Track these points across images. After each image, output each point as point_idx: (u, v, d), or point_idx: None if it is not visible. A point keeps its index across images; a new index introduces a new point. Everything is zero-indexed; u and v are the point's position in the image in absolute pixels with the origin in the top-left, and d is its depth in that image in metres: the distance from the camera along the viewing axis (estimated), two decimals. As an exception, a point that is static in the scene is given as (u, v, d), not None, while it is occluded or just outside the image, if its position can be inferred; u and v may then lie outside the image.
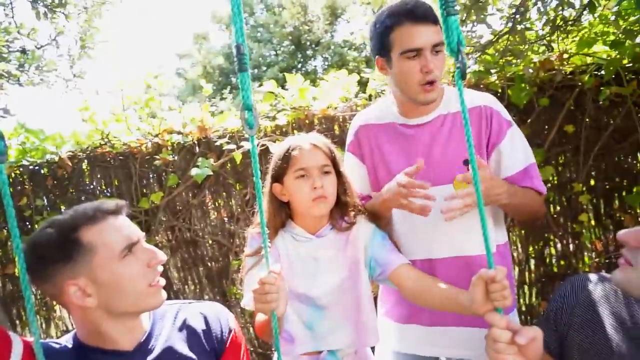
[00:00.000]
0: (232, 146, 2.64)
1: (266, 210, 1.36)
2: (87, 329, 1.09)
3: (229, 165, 2.77)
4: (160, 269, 1.12)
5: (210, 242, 2.94)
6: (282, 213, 1.37)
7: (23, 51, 3.03)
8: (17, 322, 2.96)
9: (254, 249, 1.37)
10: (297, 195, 1.30)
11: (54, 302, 3.00)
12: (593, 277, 1.11)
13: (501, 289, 0.90)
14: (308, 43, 14.33)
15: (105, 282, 1.03)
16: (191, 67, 15.93)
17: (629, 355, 0.98)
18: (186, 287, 2.99)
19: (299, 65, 14.50)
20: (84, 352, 1.09)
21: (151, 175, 2.87)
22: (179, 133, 2.81)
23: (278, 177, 1.32)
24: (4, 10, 2.89)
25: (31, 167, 2.87)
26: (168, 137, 2.80)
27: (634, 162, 2.69)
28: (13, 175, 2.88)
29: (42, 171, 2.86)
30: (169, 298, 1.27)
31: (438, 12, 1.26)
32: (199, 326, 1.20)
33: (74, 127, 2.96)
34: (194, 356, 1.15)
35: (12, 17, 2.89)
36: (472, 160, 0.90)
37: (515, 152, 1.42)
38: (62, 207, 2.82)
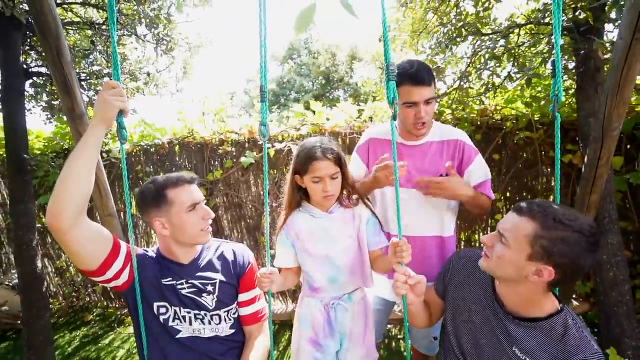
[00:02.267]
0: (269, 145, 2.70)
1: (288, 191, 1.28)
2: (164, 247, 1.18)
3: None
4: (210, 221, 1.15)
5: (250, 206, 2.96)
6: (300, 194, 1.28)
7: (148, 74, 3.26)
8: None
9: (278, 226, 1.32)
10: (312, 193, 1.24)
11: (153, 233, 3.19)
12: (470, 252, 1.12)
13: (400, 251, 0.98)
14: (334, 79, 14.30)
15: (175, 223, 1.10)
16: (254, 88, 16.09)
17: (475, 300, 1.03)
18: (232, 234, 3.05)
19: (327, 94, 14.50)
20: (161, 259, 1.19)
21: (216, 159, 2.92)
22: (236, 133, 2.88)
23: (298, 171, 1.23)
24: (139, 49, 3.18)
25: (145, 146, 2.99)
26: (229, 135, 2.88)
27: (535, 184, 2.75)
28: (134, 150, 3.02)
29: (151, 150, 2.99)
30: (221, 238, 1.34)
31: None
32: (230, 257, 1.24)
33: (172, 124, 3.08)
34: (222, 275, 1.20)
35: (144, 53, 3.15)
36: (395, 174, 0.97)
37: (479, 171, 1.41)
38: (161, 173, 2.90)
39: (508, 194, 2.85)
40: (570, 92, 2.16)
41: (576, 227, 0.80)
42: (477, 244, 2.98)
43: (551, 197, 2.72)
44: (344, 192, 1.29)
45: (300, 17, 0.74)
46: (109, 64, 2.96)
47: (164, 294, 1.14)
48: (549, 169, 2.67)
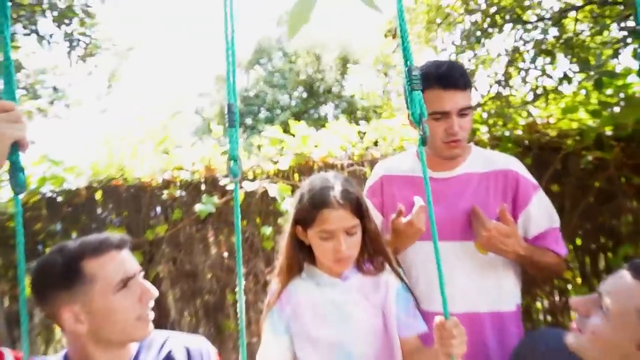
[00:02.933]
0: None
1: (286, 249, 1.31)
2: (76, 351, 1.11)
3: (231, 203, 2.80)
4: (152, 303, 1.13)
5: (209, 275, 2.93)
6: (302, 254, 1.30)
7: (55, 89, 3.25)
8: (18, 342, 3.01)
9: (269, 300, 1.33)
10: (319, 253, 1.25)
11: (55, 326, 3.04)
12: (551, 332, 1.12)
13: (448, 337, 0.94)
14: (320, 90, 14.73)
15: (98, 311, 1.05)
16: (209, 105, 16.33)
17: None
18: (182, 318, 2.96)
19: (311, 111, 14.82)
20: None
21: (158, 209, 2.90)
22: (187, 170, 2.87)
23: (301, 223, 1.26)
24: (41, 53, 3.17)
25: (49, 194, 2.92)
26: (177, 173, 2.87)
27: (618, 225, 2.74)
28: (32, 201, 2.91)
29: (59, 199, 2.91)
30: (165, 328, 1.30)
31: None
32: (181, 358, 1.18)
33: (93, 159, 3.03)
34: None
35: (49, 60, 3.16)
36: (431, 217, 0.96)
37: (541, 215, 1.44)
38: (74, 234, 2.85)
39: (579, 241, 2.84)
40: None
41: None
42: (541, 317, 2.91)
43: (644, 242, 2.72)
44: (365, 253, 1.31)
45: (294, 12, 0.72)
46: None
47: None
48: (634, 202, 2.69)
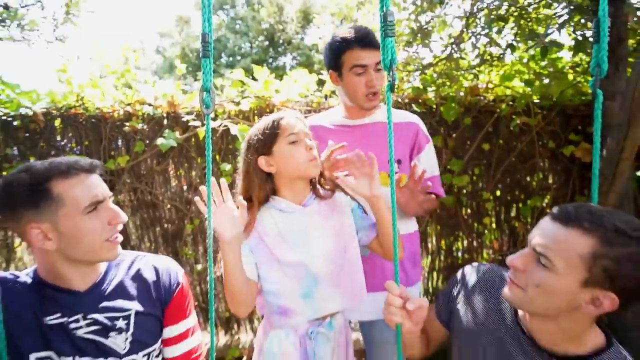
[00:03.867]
0: (198, 123, 2.59)
1: (250, 184, 1.30)
2: (46, 268, 1.08)
3: (193, 140, 2.72)
4: (120, 227, 1.11)
5: (168, 206, 2.87)
6: (267, 185, 1.29)
7: (6, 7, 2.79)
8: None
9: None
10: (293, 160, 1.24)
11: (15, 245, 2.86)
12: (487, 267, 1.14)
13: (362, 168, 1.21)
14: (280, 41, 14.26)
15: (66, 231, 1.02)
16: (170, 46, 15.30)
17: (491, 331, 1.03)
18: (142, 244, 2.91)
19: (270, 60, 14.37)
20: (42, 287, 1.08)
21: (120, 140, 2.75)
22: (149, 105, 2.72)
23: (265, 149, 1.25)
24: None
25: (4, 118, 2.67)
26: (139, 107, 2.71)
27: (531, 181, 2.91)
28: None
29: (15, 123, 2.68)
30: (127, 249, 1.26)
31: (378, 36, 1.40)
32: (150, 277, 1.19)
33: (50, 87, 2.76)
34: (139, 303, 1.15)
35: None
36: (391, 162, 0.94)
37: (429, 163, 1.67)
38: (32, 159, 2.65)
39: (498, 193, 2.98)
40: (579, 69, 2.28)
41: None
42: (460, 254, 3.09)
43: (547, 197, 2.90)
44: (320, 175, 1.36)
45: None
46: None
47: (47, 338, 1.04)
48: (546, 163, 2.83)
